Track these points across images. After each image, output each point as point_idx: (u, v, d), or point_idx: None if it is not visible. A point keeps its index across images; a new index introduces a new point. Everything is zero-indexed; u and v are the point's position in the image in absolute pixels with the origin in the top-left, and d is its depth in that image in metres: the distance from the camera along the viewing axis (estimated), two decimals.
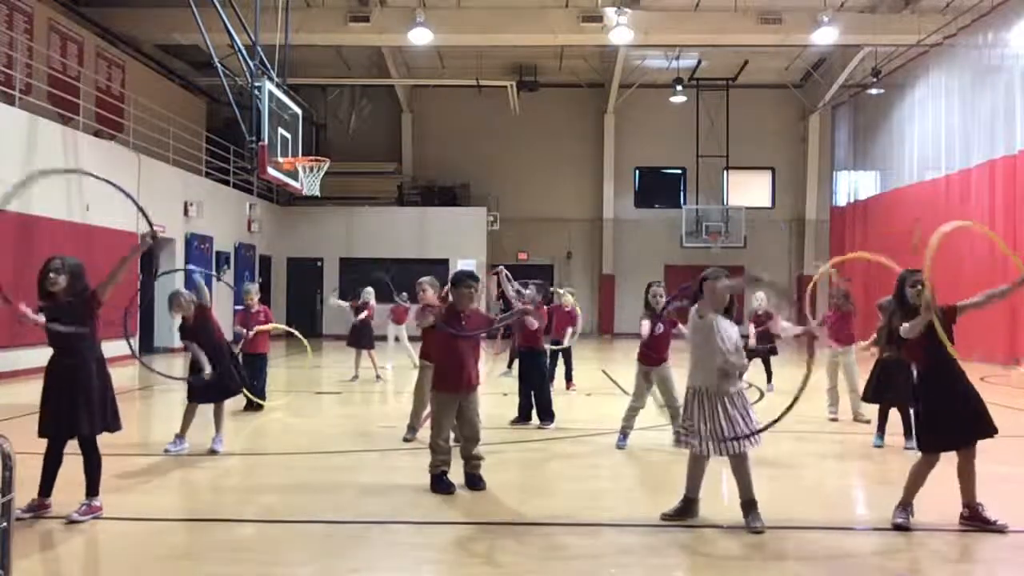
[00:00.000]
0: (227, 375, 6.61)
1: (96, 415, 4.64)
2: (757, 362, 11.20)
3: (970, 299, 4.66)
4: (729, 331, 4.66)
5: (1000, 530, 4.46)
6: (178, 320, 6.74)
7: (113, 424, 4.80)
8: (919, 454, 4.68)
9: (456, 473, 5.51)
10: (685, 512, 4.74)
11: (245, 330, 8.76)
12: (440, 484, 5.37)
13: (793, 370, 15.39)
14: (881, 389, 7.02)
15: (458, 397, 5.48)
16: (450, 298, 5.79)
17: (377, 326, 12.32)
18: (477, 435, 5.58)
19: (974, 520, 4.54)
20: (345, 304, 12.21)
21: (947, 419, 4.49)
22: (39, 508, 4.70)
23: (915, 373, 4.72)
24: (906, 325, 4.51)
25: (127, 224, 15.22)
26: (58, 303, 4.68)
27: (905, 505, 4.63)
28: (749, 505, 4.59)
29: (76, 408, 4.60)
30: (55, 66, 15.11)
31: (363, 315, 11.78)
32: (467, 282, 5.57)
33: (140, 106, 16.86)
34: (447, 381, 5.50)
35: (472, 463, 5.55)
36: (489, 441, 7.21)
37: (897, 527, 4.55)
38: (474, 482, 5.49)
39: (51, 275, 4.66)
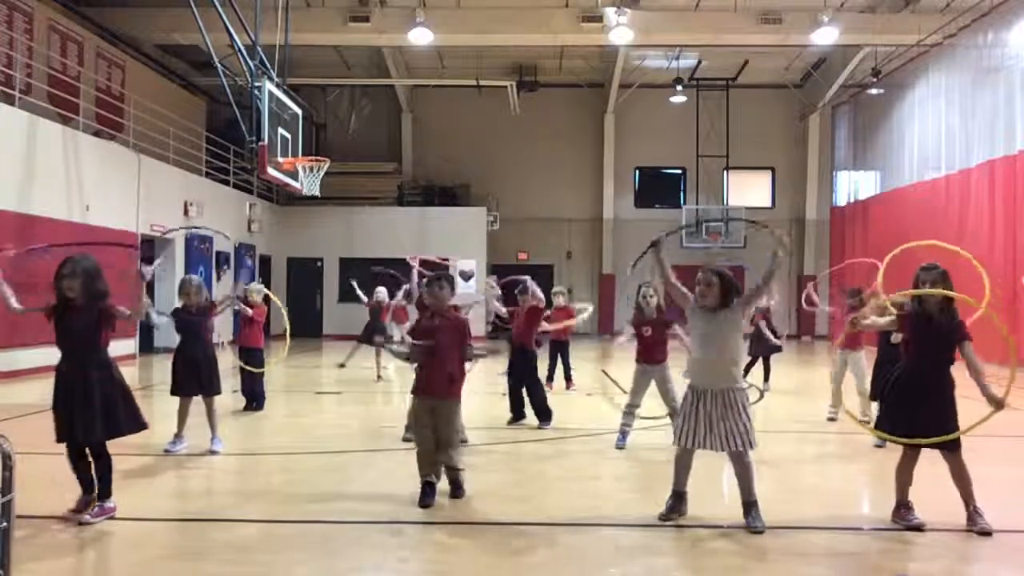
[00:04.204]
0: (207, 375, 6.62)
1: (96, 423, 4.55)
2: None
3: (975, 361, 4.51)
4: (699, 326, 4.71)
5: (983, 533, 4.46)
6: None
7: (126, 428, 4.71)
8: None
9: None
10: (676, 507, 4.77)
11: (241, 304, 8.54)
12: (425, 493, 5.11)
13: (791, 369, 15.40)
14: (880, 384, 7.02)
15: (430, 402, 5.27)
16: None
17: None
18: (452, 443, 5.28)
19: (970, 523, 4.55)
20: (363, 297, 12.37)
21: (904, 408, 4.57)
22: (86, 505, 4.69)
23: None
24: (869, 320, 4.97)
25: (127, 224, 15.24)
26: (74, 306, 4.62)
27: (901, 505, 4.64)
28: (749, 505, 4.60)
29: (73, 416, 4.55)
30: (55, 66, 15.11)
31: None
32: (439, 283, 5.37)
33: (140, 106, 16.86)
34: (418, 385, 5.33)
35: (450, 473, 5.30)
36: (488, 441, 7.25)
37: (909, 528, 4.55)
38: (453, 490, 5.28)
39: (65, 281, 4.58)
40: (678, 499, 4.80)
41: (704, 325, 4.67)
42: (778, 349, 11.15)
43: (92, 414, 4.54)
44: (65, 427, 4.60)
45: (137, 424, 4.78)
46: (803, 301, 9.74)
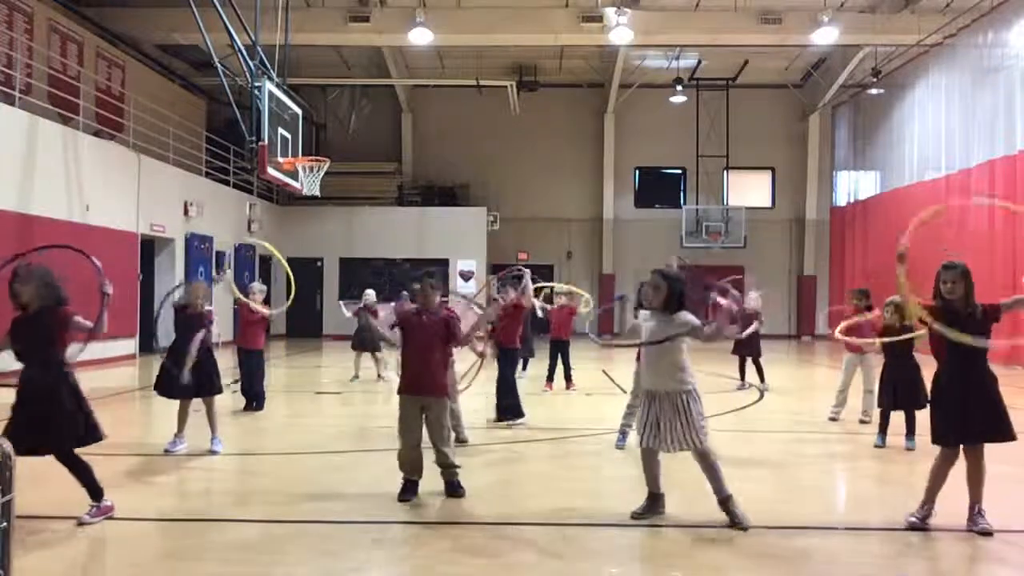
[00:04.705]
0: (205, 376, 6.58)
1: (61, 432, 4.45)
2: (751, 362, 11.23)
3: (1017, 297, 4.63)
4: (651, 327, 4.76)
5: (984, 533, 4.46)
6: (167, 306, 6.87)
7: (88, 438, 4.59)
8: (918, 454, 4.70)
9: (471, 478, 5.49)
10: (651, 508, 4.79)
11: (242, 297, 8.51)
12: (404, 491, 5.18)
13: (791, 369, 15.40)
14: (887, 391, 7.01)
15: (419, 401, 5.22)
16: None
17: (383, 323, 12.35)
18: (444, 441, 5.26)
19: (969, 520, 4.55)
20: (349, 314, 12.20)
21: (954, 414, 4.50)
22: None
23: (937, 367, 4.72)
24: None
25: (127, 224, 15.25)
26: (28, 314, 4.52)
27: (924, 503, 4.62)
28: (724, 502, 4.65)
29: (34, 426, 4.41)
30: (55, 66, 15.12)
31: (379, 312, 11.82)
32: (432, 281, 5.29)
33: (140, 106, 16.86)
34: (403, 383, 5.28)
35: (447, 472, 5.30)
36: (488, 441, 7.24)
37: (912, 527, 4.55)
38: (452, 489, 5.27)
39: (15, 286, 4.47)
40: (653, 500, 4.83)
41: (651, 326, 4.75)
42: (756, 350, 11.07)
43: (50, 425, 4.44)
44: (18, 433, 4.40)
45: (95, 435, 4.64)
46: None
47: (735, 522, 4.56)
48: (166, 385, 6.64)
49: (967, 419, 4.47)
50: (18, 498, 3.15)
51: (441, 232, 22.85)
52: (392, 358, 8.13)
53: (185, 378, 6.34)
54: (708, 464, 4.66)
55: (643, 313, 4.95)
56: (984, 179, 16.53)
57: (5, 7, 14.04)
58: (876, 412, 7.37)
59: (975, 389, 4.51)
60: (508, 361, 8.28)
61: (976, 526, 4.48)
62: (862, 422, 8.16)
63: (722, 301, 4.65)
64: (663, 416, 4.63)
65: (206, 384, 6.62)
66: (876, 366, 8.25)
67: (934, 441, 4.66)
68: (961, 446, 4.56)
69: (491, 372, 10.30)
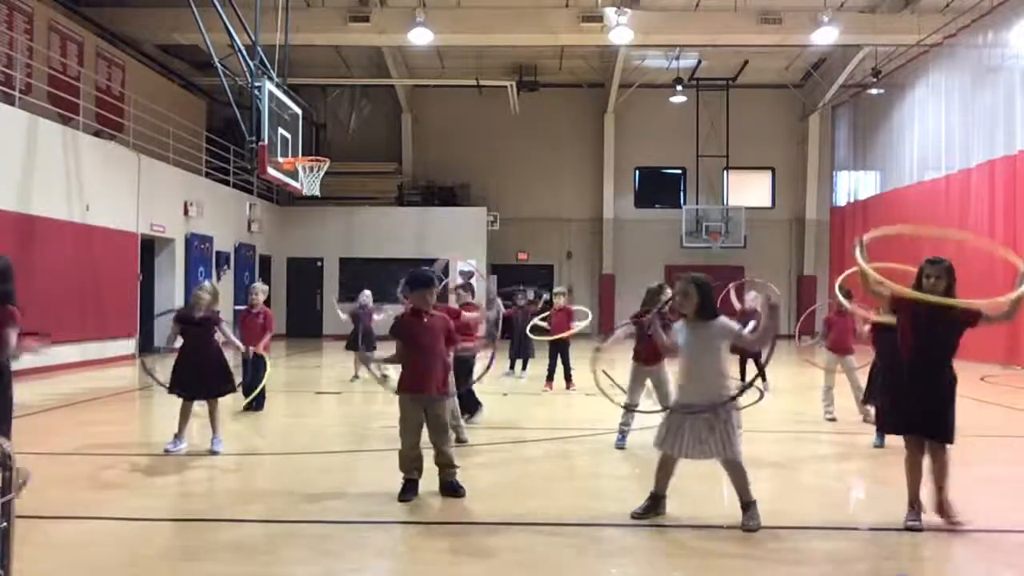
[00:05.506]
0: (215, 379, 6.61)
1: None
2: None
3: (996, 310, 4.53)
4: (682, 337, 4.75)
5: (953, 528, 4.50)
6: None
7: None
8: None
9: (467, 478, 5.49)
10: (651, 508, 4.78)
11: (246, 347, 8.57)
12: (405, 491, 5.19)
13: (791, 369, 15.39)
14: (878, 383, 7.02)
15: (421, 400, 5.20)
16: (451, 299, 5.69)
17: (379, 325, 12.35)
18: (446, 442, 5.27)
19: (939, 514, 4.59)
20: (345, 317, 12.19)
21: (899, 402, 4.57)
22: None
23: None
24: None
25: (127, 224, 15.25)
26: None
27: (912, 503, 4.63)
28: (747, 505, 4.62)
29: None
30: (55, 66, 15.12)
31: (374, 315, 11.77)
32: (422, 286, 5.25)
33: (140, 106, 16.87)
34: (405, 382, 5.26)
35: (446, 471, 5.30)
36: (487, 441, 7.25)
37: (909, 528, 4.56)
38: (452, 489, 5.26)
39: None
40: (655, 501, 4.81)
41: (688, 338, 4.72)
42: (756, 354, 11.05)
43: None
44: None
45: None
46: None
47: (744, 524, 4.55)
48: (179, 386, 6.65)
49: (909, 409, 4.53)
50: (18, 498, 3.15)
51: (441, 232, 22.85)
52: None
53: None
54: (735, 469, 4.63)
55: (676, 325, 4.89)
56: (984, 179, 16.54)
57: (5, 7, 14.04)
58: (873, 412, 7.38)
59: (929, 385, 4.53)
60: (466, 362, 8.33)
61: (952, 521, 4.51)
62: (866, 422, 8.15)
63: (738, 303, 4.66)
64: (695, 427, 4.56)
65: (214, 388, 6.66)
66: (856, 366, 8.28)
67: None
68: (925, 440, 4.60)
69: (496, 372, 10.34)
